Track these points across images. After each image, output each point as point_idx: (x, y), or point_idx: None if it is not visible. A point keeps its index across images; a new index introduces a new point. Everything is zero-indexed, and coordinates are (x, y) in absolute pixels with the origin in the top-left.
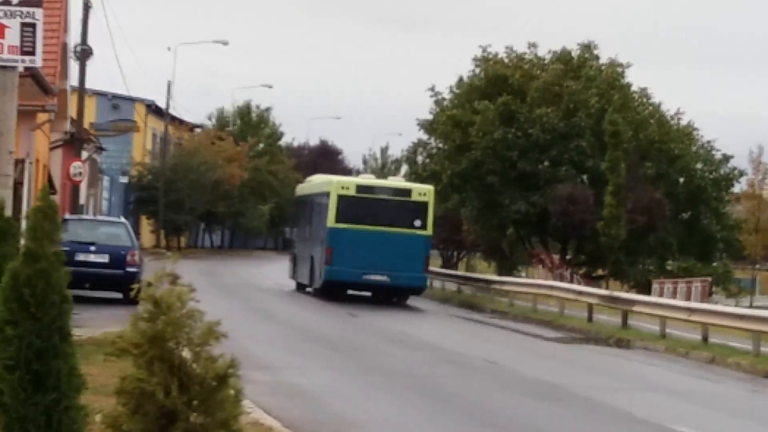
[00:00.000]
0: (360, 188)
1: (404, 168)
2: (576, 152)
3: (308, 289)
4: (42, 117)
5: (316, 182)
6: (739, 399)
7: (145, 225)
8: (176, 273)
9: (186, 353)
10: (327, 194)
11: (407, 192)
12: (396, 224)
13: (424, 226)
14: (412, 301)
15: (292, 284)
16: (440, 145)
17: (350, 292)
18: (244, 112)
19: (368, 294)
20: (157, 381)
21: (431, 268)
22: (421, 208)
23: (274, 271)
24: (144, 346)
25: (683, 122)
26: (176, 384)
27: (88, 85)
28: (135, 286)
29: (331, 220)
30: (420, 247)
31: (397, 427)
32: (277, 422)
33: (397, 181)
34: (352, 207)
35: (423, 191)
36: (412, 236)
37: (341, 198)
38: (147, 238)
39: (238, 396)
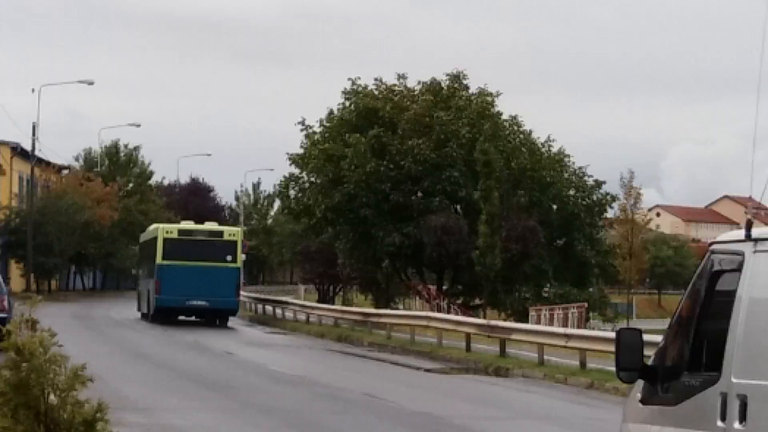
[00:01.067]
0: (181, 232)
1: (277, 203)
2: (448, 182)
3: (148, 318)
4: None
5: (150, 230)
6: (617, 423)
7: (15, 269)
8: (35, 318)
9: (53, 399)
10: (155, 238)
11: (220, 233)
12: (211, 259)
13: (234, 260)
14: (288, 336)
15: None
16: (312, 179)
17: (180, 317)
18: (112, 152)
19: (196, 318)
20: (22, 429)
21: (308, 302)
22: (231, 245)
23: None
24: (8, 394)
25: (554, 149)
26: (42, 431)
27: None
28: None
29: (159, 258)
30: (231, 276)
31: None
32: None
33: (211, 225)
34: (176, 247)
35: (232, 232)
36: (225, 268)
37: (166, 240)
38: (17, 282)
39: None
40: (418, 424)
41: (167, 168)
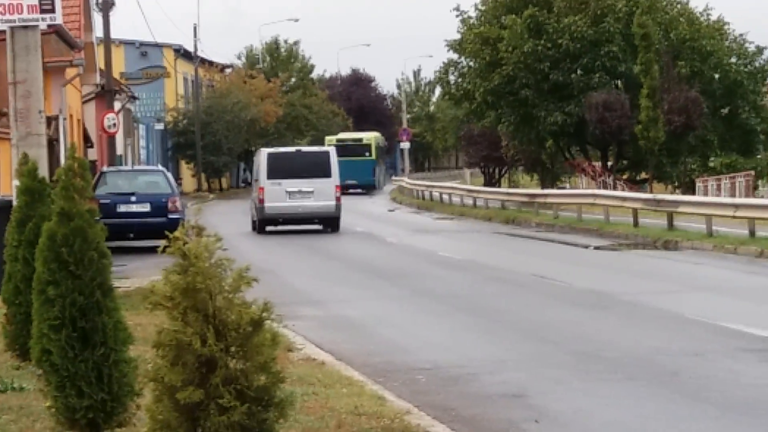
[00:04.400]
0: (339, 140)
1: (438, 89)
2: (607, 58)
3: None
4: (71, 72)
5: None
6: None
7: (185, 170)
8: (201, 225)
9: (220, 301)
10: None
11: (360, 139)
12: (353, 155)
13: (370, 155)
14: (455, 222)
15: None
16: (471, 64)
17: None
18: (273, 48)
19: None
20: (192, 331)
21: (474, 186)
22: (367, 147)
23: None
24: (177, 298)
25: (713, 17)
26: (212, 332)
27: (113, 35)
28: (162, 243)
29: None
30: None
31: (448, 349)
32: (329, 356)
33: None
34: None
35: (369, 138)
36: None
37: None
38: (188, 182)
39: (275, 339)
40: (587, 301)
41: (327, 61)
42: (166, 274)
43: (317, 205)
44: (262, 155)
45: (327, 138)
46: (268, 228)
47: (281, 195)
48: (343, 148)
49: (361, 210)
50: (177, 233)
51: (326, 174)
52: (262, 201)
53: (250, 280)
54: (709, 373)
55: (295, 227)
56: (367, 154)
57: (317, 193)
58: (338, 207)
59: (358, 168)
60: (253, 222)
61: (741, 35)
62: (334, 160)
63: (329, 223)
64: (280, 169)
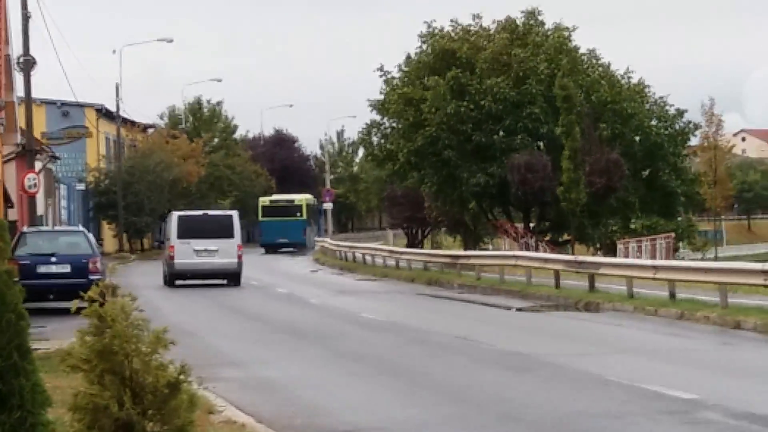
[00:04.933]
0: (272, 201)
1: (361, 150)
2: (529, 120)
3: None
4: None
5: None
6: (709, 352)
7: (107, 230)
8: (115, 285)
9: (137, 363)
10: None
11: (292, 200)
12: (286, 216)
13: (301, 215)
14: (378, 283)
15: (267, 279)
16: (394, 125)
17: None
18: (196, 108)
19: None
20: (109, 394)
21: (396, 248)
22: (298, 207)
23: None
24: (93, 360)
25: (634, 80)
26: (129, 395)
27: (35, 94)
28: (75, 302)
29: (260, 215)
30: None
31: (370, 412)
32: (249, 418)
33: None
34: (268, 210)
35: (300, 199)
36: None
37: (264, 207)
38: (110, 243)
39: (193, 401)
40: (509, 363)
41: (251, 121)
42: (82, 335)
43: (221, 263)
44: (173, 217)
45: (261, 199)
46: (179, 282)
47: (189, 253)
48: (275, 209)
49: (283, 271)
50: (91, 293)
51: (230, 235)
52: (172, 258)
53: (166, 342)
54: None
55: (202, 281)
56: (299, 214)
57: (221, 252)
58: (240, 264)
59: (290, 227)
60: (165, 276)
61: (661, 98)
62: (237, 222)
63: (232, 278)
64: (188, 229)
